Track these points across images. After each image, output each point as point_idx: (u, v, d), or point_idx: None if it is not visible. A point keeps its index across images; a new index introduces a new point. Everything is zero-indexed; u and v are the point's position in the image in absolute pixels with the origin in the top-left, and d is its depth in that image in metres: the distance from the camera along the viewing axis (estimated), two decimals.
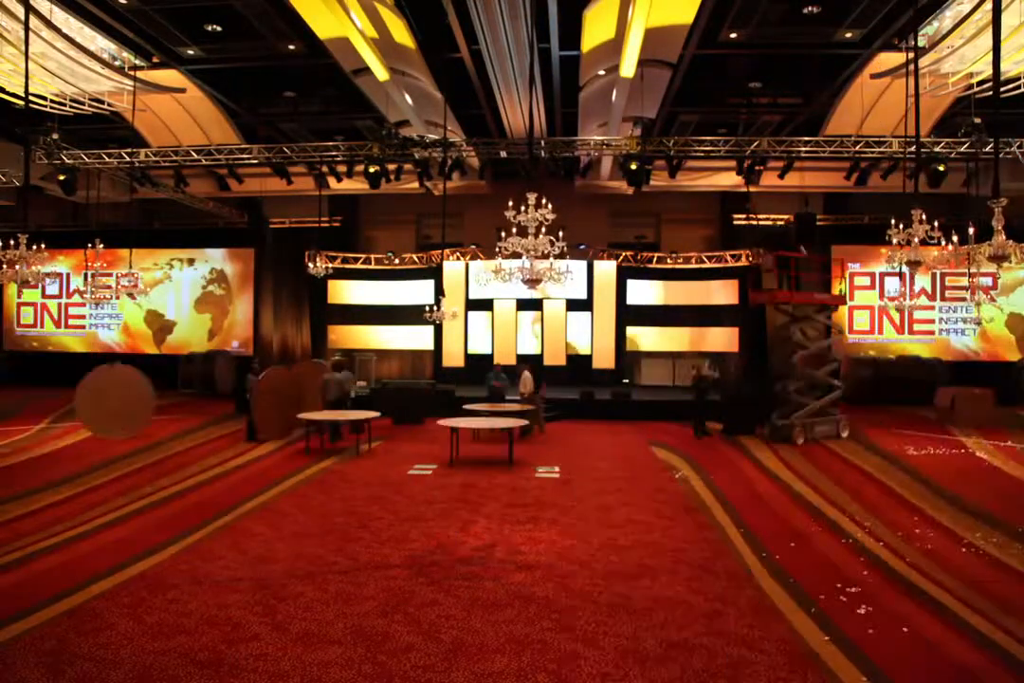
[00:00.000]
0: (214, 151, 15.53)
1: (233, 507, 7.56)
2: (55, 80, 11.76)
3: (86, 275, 15.07)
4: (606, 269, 19.42)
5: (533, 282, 9.01)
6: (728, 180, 17.16)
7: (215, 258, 20.28)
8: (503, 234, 8.60)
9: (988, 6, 8.66)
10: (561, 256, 8.83)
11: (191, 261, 20.38)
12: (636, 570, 5.60)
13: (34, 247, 8.77)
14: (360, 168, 15.31)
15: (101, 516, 7.13)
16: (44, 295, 20.94)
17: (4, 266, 8.69)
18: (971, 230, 7.22)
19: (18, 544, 6.12)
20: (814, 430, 12.13)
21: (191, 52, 12.43)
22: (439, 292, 17.72)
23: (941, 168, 14.03)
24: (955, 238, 8.05)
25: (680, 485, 8.88)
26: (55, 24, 10.35)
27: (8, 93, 11.67)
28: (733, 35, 11.64)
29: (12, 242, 8.63)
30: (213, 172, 17.97)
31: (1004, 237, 6.07)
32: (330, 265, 18.57)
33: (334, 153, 15.57)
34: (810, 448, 11.32)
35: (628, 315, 19.48)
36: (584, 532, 6.67)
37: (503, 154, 16.03)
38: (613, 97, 12.46)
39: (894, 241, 8.21)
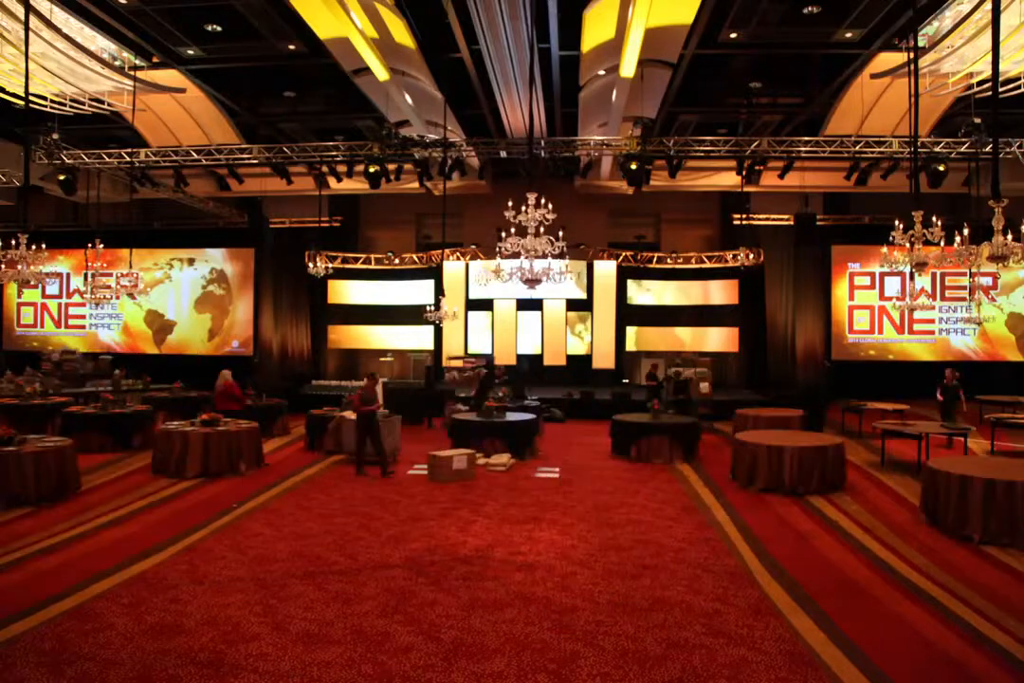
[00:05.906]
0: (214, 151, 15.53)
1: (233, 507, 7.56)
2: (55, 80, 11.76)
3: (86, 275, 15.07)
4: (606, 269, 19.43)
5: (533, 282, 9.01)
6: (728, 180, 17.16)
7: (215, 258, 20.28)
8: (503, 234, 8.60)
9: (988, 6, 8.66)
10: (561, 256, 8.83)
11: (191, 261, 20.39)
12: (636, 570, 5.60)
13: (34, 247, 8.78)
14: (360, 168, 15.30)
15: (100, 516, 7.13)
16: (44, 295, 20.96)
17: (4, 266, 8.69)
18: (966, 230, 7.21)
19: (18, 544, 6.12)
20: None
21: (191, 52, 12.42)
22: (439, 292, 17.73)
23: (941, 168, 14.02)
24: (957, 238, 8.04)
25: (680, 485, 8.89)
26: (55, 24, 10.34)
27: (8, 93, 11.66)
28: (733, 35, 11.64)
29: (12, 242, 8.64)
30: (213, 172, 17.96)
31: (1004, 237, 6.07)
32: (330, 265, 18.58)
33: (334, 153, 15.56)
34: None
35: (628, 315, 19.48)
36: (584, 532, 6.67)
37: (503, 154, 16.03)
38: (613, 97, 12.45)
39: (905, 244, 8.17)
